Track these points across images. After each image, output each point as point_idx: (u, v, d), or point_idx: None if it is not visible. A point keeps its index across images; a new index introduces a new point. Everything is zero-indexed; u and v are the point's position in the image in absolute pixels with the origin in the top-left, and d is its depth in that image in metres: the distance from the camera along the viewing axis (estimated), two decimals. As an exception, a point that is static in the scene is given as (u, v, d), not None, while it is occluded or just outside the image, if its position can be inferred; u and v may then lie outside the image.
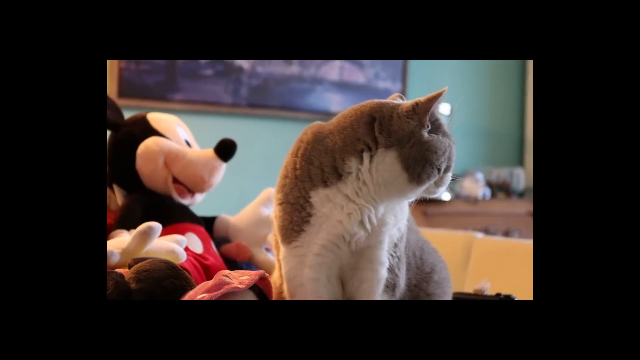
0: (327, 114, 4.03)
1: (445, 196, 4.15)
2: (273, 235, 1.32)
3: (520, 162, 5.03)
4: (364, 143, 1.16)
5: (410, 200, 1.22)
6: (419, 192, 1.18)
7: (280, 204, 1.22)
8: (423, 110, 1.15)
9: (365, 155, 1.16)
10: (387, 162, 1.15)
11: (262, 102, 3.94)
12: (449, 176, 1.19)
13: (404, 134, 1.14)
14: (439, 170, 1.16)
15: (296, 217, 1.19)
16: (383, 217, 1.19)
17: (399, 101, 1.21)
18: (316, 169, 1.19)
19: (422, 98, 1.16)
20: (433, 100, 1.15)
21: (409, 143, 1.14)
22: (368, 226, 1.18)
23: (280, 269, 1.27)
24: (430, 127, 1.16)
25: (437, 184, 1.19)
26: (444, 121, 1.20)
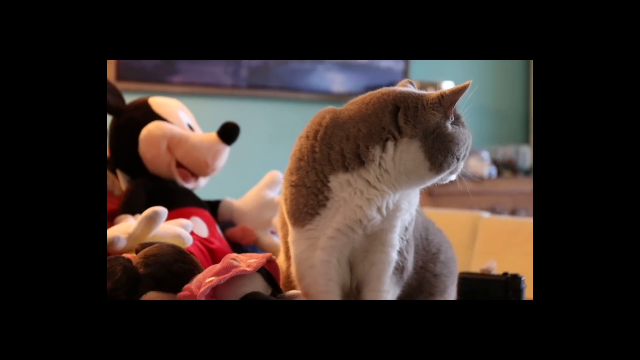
0: (328, 94, 4.03)
1: (451, 175, 4.16)
2: (279, 218, 1.34)
3: (526, 139, 5.02)
4: (389, 132, 1.18)
5: (426, 186, 1.25)
6: (436, 180, 1.23)
7: (294, 186, 1.23)
8: (448, 103, 1.18)
9: (390, 144, 1.18)
10: (410, 151, 1.18)
11: (263, 83, 3.94)
12: (462, 164, 1.25)
13: (429, 125, 1.18)
14: (458, 159, 1.21)
15: (312, 201, 1.21)
16: (398, 203, 1.22)
17: (416, 90, 1.24)
18: (336, 154, 1.20)
19: (447, 90, 1.20)
20: (458, 93, 1.18)
21: (433, 134, 1.18)
22: (384, 211, 1.21)
23: (286, 252, 1.29)
24: (452, 119, 1.20)
25: (452, 172, 1.24)
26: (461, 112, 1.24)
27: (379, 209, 1.21)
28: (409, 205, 1.24)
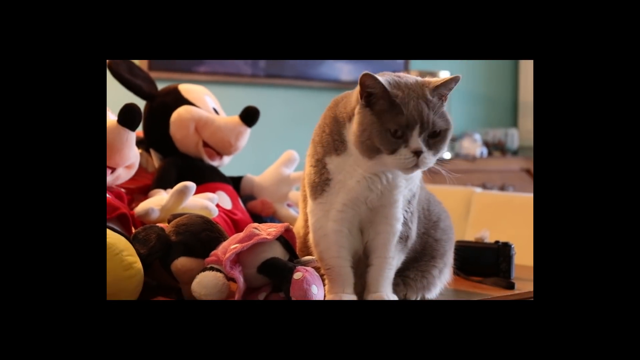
0: (337, 82, 4.02)
1: (446, 155, 4.15)
2: (301, 191, 1.34)
3: (515, 123, 5.01)
4: (348, 117, 1.18)
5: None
6: (386, 162, 1.15)
7: (310, 165, 1.25)
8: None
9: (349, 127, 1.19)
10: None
11: (279, 73, 3.93)
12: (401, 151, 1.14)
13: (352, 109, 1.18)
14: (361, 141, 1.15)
15: (318, 179, 1.22)
16: (393, 181, 1.20)
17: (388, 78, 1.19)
18: (327, 136, 1.21)
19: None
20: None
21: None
22: (378, 190, 1.20)
23: (305, 220, 1.29)
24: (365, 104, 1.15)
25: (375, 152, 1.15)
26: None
27: (370, 188, 1.19)
28: (406, 183, 1.22)
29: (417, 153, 1.12)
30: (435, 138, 1.14)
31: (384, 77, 1.14)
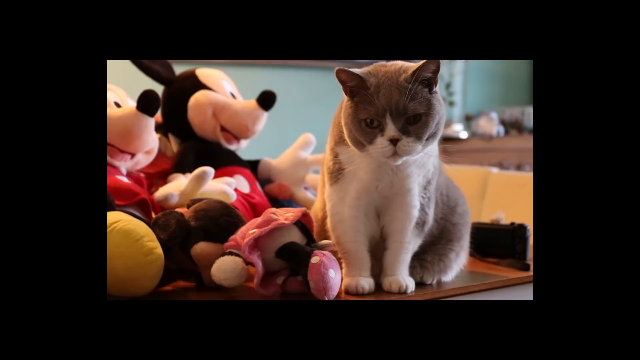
0: (353, 63, 4.00)
1: (463, 134, 4.13)
2: (320, 176, 1.35)
3: (531, 101, 4.97)
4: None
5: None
6: (370, 153, 1.14)
7: (327, 149, 1.26)
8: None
9: None
10: None
11: (295, 54, 3.92)
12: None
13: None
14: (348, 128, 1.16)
15: (333, 167, 1.23)
16: (404, 171, 1.19)
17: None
18: (336, 127, 1.22)
19: None
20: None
21: None
22: (387, 179, 1.20)
23: (324, 203, 1.29)
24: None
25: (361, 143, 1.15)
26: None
27: (378, 179, 1.19)
28: (419, 170, 1.21)
29: (393, 141, 1.11)
30: (414, 124, 1.12)
31: (365, 68, 1.16)
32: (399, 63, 1.17)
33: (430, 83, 1.14)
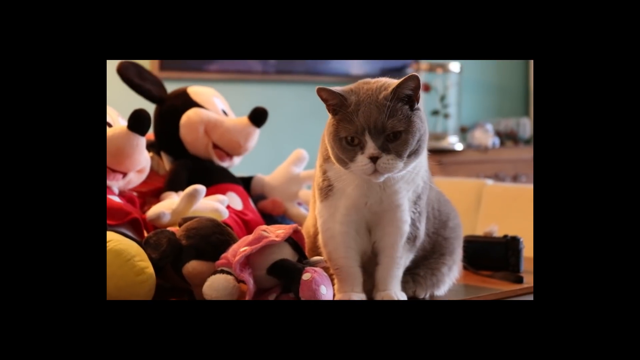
0: (347, 77, 4.02)
1: (458, 146, 4.14)
2: (312, 192, 1.35)
3: (526, 112, 4.98)
4: None
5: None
6: (353, 170, 1.15)
7: (317, 165, 1.27)
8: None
9: None
10: None
11: (289, 69, 3.93)
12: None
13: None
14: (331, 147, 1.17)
15: (323, 184, 1.23)
16: (394, 187, 1.19)
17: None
18: (323, 144, 1.22)
19: None
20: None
21: None
22: (376, 196, 1.20)
23: (315, 219, 1.29)
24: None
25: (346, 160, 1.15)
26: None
27: (367, 195, 1.19)
28: (407, 186, 1.21)
29: (373, 159, 1.11)
30: (394, 141, 1.12)
31: (348, 86, 1.16)
32: (382, 80, 1.17)
33: (411, 100, 1.14)
